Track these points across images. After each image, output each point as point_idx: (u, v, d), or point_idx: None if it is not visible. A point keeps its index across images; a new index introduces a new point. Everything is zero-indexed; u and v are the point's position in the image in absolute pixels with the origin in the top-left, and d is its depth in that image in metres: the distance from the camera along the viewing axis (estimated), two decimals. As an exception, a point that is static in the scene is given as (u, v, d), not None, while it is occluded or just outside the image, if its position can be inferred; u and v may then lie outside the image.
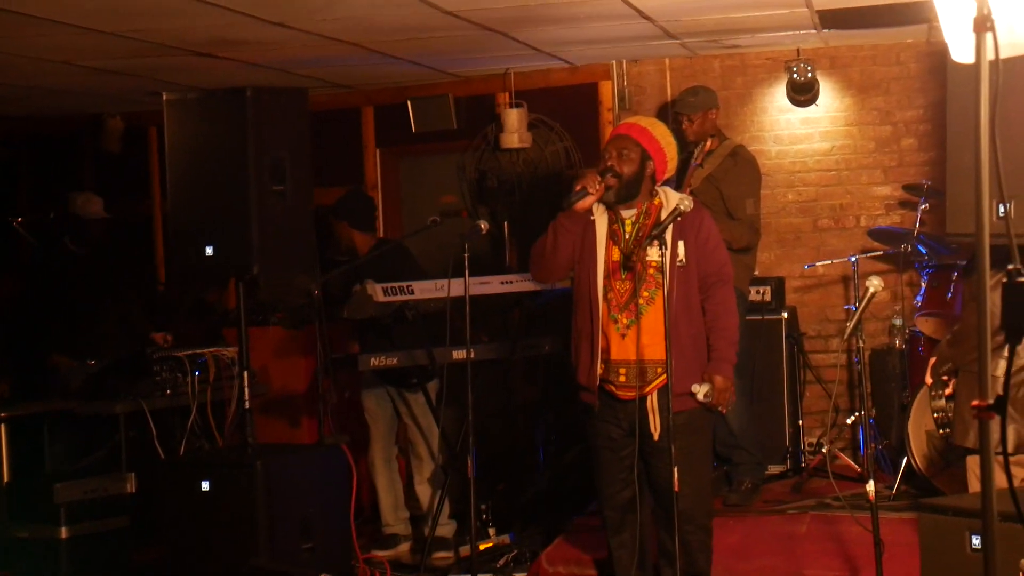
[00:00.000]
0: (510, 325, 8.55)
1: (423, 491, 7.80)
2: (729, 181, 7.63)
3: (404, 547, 7.85)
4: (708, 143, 7.80)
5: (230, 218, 6.45)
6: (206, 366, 7.38)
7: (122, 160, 10.67)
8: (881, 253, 8.61)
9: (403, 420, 7.84)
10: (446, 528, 7.66)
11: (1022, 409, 5.30)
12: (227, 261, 6.53)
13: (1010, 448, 5.09)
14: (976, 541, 4.77)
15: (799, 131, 9.38)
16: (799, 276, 9.28)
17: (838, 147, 9.32)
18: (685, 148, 7.65)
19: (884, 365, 8.49)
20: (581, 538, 7.04)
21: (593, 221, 5.52)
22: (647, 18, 7.71)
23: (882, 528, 5.50)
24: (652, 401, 5.40)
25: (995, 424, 2.93)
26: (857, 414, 8.56)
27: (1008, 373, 2.93)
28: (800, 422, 8.59)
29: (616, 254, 5.50)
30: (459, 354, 6.80)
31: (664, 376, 5.31)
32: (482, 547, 7.07)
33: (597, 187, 5.39)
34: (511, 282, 7.67)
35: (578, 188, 5.41)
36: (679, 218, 5.34)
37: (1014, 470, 4.70)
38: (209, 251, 6.49)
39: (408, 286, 7.30)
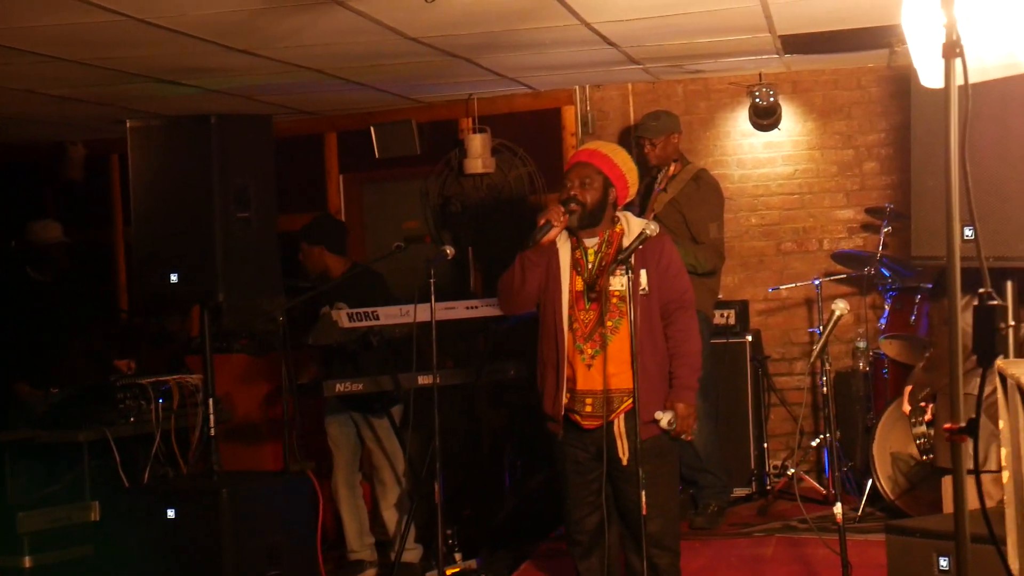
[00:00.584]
0: (475, 350, 8.54)
1: (389, 516, 7.75)
2: (693, 205, 7.66)
3: (370, 572, 7.81)
4: (671, 167, 7.83)
5: (195, 245, 6.41)
6: (170, 393, 7.33)
7: (84, 188, 10.63)
8: (845, 276, 8.68)
9: (367, 445, 7.81)
10: (412, 553, 7.63)
11: None
12: (192, 288, 6.51)
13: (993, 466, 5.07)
14: (944, 562, 4.80)
15: (762, 155, 9.43)
16: (763, 299, 9.32)
17: (801, 171, 9.38)
18: (648, 172, 7.69)
19: (848, 387, 8.51)
20: (548, 563, 7.04)
21: (557, 250, 5.50)
22: (611, 44, 7.74)
23: (849, 550, 5.50)
24: (619, 426, 5.39)
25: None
26: (822, 436, 8.60)
27: (980, 395, 2.94)
28: (765, 445, 8.59)
29: (579, 283, 5.49)
30: (425, 379, 6.80)
31: (630, 401, 5.31)
32: (449, 572, 7.04)
33: (561, 218, 5.38)
34: (476, 307, 7.65)
35: (542, 222, 5.37)
36: (643, 243, 5.34)
37: (991, 490, 4.70)
38: (174, 278, 6.46)
39: (373, 312, 7.29)
